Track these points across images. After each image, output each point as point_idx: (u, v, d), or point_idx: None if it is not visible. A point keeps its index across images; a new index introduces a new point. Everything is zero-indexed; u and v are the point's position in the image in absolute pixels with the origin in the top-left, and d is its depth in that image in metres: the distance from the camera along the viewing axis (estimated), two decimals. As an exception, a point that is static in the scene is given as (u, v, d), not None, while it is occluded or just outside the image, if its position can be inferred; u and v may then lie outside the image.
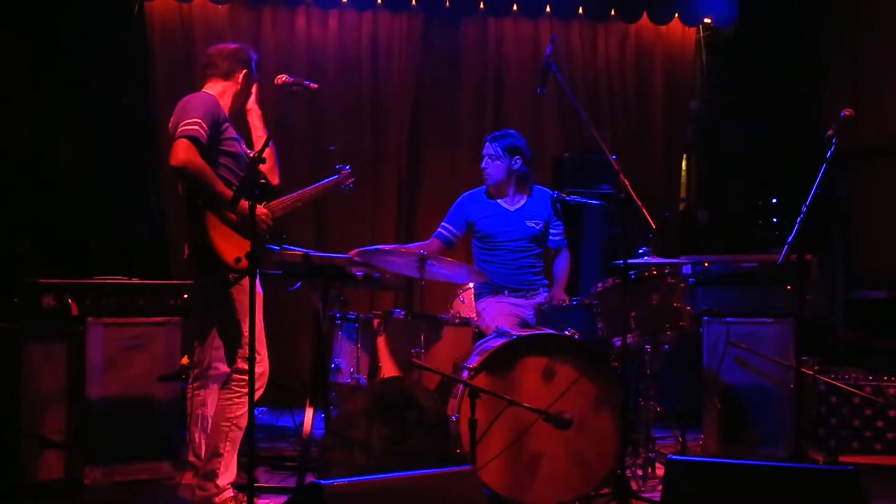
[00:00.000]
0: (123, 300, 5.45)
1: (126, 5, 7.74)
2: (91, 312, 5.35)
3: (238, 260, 4.61)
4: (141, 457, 5.44)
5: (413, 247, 6.09)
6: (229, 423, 4.72)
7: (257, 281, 4.61)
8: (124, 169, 7.59)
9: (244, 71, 4.92)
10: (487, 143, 6.17)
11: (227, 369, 4.80)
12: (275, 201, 4.91)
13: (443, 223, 6.24)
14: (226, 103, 4.87)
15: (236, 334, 4.71)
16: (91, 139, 7.42)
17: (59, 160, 7.30)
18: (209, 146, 4.63)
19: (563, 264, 6.26)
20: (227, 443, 4.72)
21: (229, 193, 4.55)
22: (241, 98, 4.96)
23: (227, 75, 4.90)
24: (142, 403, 5.42)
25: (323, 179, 5.30)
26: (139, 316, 5.48)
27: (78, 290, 5.35)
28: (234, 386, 4.73)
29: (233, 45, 5.01)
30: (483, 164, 6.15)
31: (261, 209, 4.63)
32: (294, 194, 5.04)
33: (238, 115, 5.00)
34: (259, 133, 5.01)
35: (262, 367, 4.77)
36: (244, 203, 4.34)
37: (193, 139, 4.53)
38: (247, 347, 4.53)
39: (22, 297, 5.31)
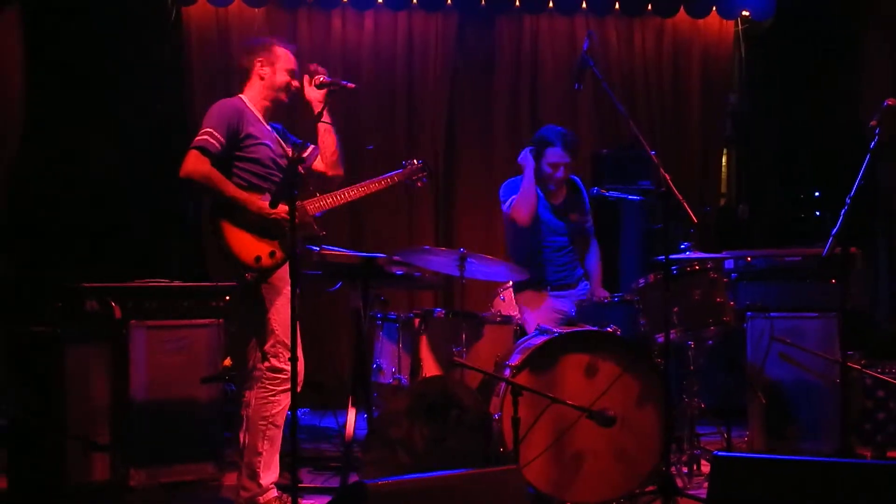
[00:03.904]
0: (166, 303, 5.48)
1: (163, 11, 7.79)
2: (134, 315, 5.37)
3: (258, 259, 4.69)
4: (185, 458, 5.46)
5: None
6: (266, 422, 4.75)
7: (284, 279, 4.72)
8: (163, 173, 7.62)
9: (257, 59, 4.92)
10: (563, 152, 5.96)
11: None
12: (310, 200, 4.91)
13: (512, 197, 6.02)
14: (260, 103, 4.92)
15: (265, 332, 4.76)
16: (129, 144, 7.47)
17: (97, 164, 7.35)
18: (225, 153, 4.72)
19: (595, 257, 6.27)
20: (266, 441, 4.75)
21: (243, 194, 4.68)
22: (273, 87, 4.93)
23: (249, 71, 4.94)
24: (185, 405, 5.44)
25: (386, 173, 5.30)
26: (181, 318, 5.50)
27: (121, 294, 5.38)
28: (268, 384, 4.78)
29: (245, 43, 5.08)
30: (560, 174, 5.98)
31: (282, 207, 4.62)
32: (338, 191, 5.01)
33: (283, 104, 5.02)
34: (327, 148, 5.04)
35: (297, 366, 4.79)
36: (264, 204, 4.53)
37: (202, 149, 4.65)
38: (279, 346, 4.71)
39: (65, 301, 5.35)
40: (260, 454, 4.75)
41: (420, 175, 5.41)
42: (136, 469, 5.32)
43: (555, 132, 6.01)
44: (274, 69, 4.93)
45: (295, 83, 4.99)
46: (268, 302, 4.76)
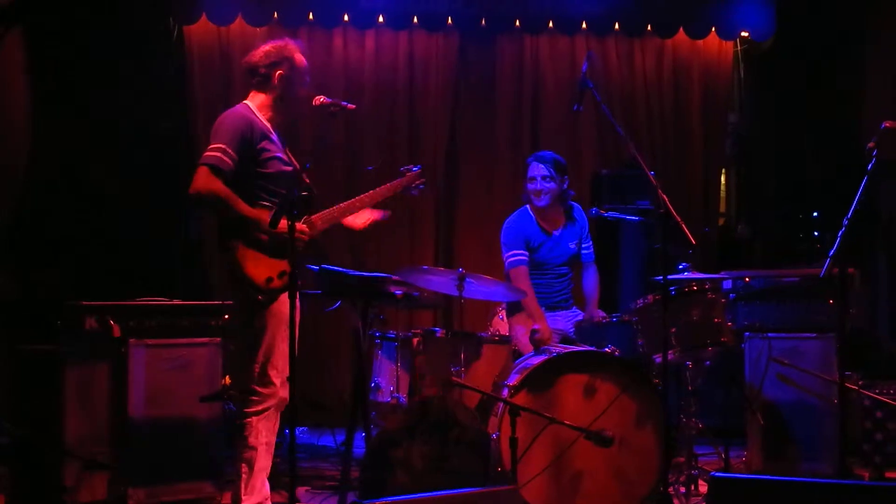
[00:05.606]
0: (165, 321, 5.46)
1: (165, 30, 7.83)
2: (133, 334, 5.36)
3: (269, 280, 4.59)
4: (184, 477, 5.43)
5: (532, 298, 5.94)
6: (243, 444, 4.70)
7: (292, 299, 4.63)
8: (165, 192, 7.64)
9: (279, 72, 4.75)
10: (536, 164, 6.05)
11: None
12: (318, 213, 4.83)
13: (513, 252, 6.04)
14: (267, 114, 4.76)
15: (252, 357, 4.70)
16: (131, 163, 7.48)
17: (98, 184, 7.37)
18: (240, 169, 4.57)
19: (594, 281, 6.26)
20: (244, 463, 4.70)
21: (255, 213, 4.55)
22: (288, 103, 4.80)
23: (265, 82, 4.76)
24: (184, 424, 5.43)
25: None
26: (181, 337, 5.48)
27: (120, 312, 5.37)
28: (244, 407, 4.73)
29: (268, 46, 4.81)
30: (538, 186, 6.01)
31: (299, 225, 4.51)
32: (345, 203, 4.93)
33: (289, 122, 4.92)
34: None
35: (280, 390, 4.77)
36: (283, 222, 4.30)
37: (212, 167, 4.50)
38: (260, 367, 4.64)
39: (65, 320, 5.35)
40: (240, 476, 4.70)
41: (418, 182, 5.22)
42: (135, 488, 5.30)
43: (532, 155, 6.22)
44: (293, 86, 4.78)
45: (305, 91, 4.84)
46: (262, 323, 4.67)
